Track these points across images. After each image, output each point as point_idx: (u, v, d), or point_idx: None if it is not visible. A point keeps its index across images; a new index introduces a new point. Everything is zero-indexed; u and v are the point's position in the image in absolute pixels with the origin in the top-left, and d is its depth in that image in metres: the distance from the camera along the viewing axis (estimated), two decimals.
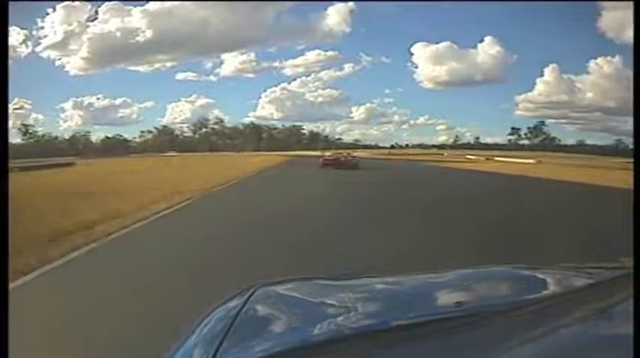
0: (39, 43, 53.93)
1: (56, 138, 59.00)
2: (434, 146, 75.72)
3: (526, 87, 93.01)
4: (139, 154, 57.16)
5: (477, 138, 76.55)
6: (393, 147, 75.55)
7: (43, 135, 57.69)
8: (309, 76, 79.59)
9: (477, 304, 1.08)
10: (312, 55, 69.79)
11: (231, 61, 71.50)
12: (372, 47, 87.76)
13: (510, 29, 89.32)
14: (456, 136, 76.15)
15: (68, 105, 60.89)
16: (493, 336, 0.87)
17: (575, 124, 78.40)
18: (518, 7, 71.72)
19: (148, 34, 57.90)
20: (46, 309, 4.43)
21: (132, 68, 72.20)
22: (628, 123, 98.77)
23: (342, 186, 19.65)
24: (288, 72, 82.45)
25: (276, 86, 74.83)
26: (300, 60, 69.57)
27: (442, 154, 66.59)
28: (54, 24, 54.07)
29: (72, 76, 59.38)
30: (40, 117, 62.86)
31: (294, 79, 76.58)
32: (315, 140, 73.55)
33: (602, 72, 78.21)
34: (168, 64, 69.73)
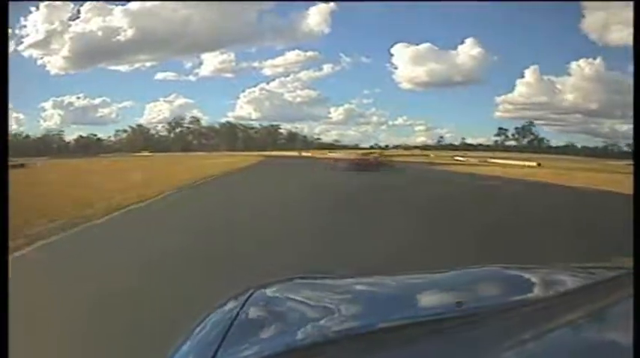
0: (21, 42, 53.01)
1: (27, 137, 58.19)
2: (416, 147, 74.88)
3: (506, 88, 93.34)
4: (111, 154, 56.77)
5: (463, 138, 75.91)
6: (372, 147, 75.08)
7: (15, 135, 56.47)
8: (288, 76, 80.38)
9: (477, 304, 1.06)
10: (291, 56, 70.14)
11: (211, 61, 71.63)
12: (352, 48, 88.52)
13: (491, 30, 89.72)
14: (440, 137, 75.45)
15: (48, 104, 60.26)
16: (493, 336, 0.87)
17: (554, 126, 78.51)
18: (500, 9, 71.32)
19: (129, 33, 57.59)
20: None
21: (112, 67, 72.00)
22: (606, 126, 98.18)
23: (326, 197, 15.89)
24: (267, 72, 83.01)
25: (254, 86, 76.53)
26: (279, 60, 70.10)
27: (428, 155, 65.35)
28: (36, 23, 53.28)
29: (53, 75, 58.64)
30: (21, 116, 61.59)
31: (273, 79, 77.50)
32: (293, 140, 73.83)
33: (583, 74, 78.86)
34: (148, 64, 71.00)
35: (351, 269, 6.21)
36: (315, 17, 70.43)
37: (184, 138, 69.50)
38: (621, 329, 0.83)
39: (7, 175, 2.62)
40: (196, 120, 69.48)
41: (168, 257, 6.93)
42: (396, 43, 75.71)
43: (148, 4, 57.67)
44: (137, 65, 63.46)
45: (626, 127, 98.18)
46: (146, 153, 59.75)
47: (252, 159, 46.83)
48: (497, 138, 76.22)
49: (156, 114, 67.97)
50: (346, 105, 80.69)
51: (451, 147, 70.86)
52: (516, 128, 76.22)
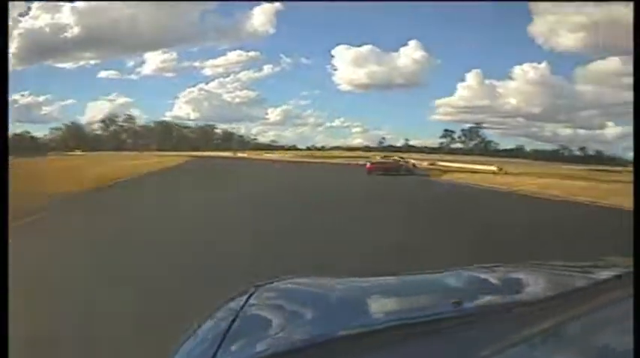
0: None
1: None
2: (357, 148, 73.63)
3: (447, 91, 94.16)
4: (42, 153, 55.84)
5: (407, 140, 75.15)
6: (308, 149, 75.48)
7: None
8: (228, 76, 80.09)
9: (477, 304, 1.07)
10: (233, 56, 69.78)
11: (153, 60, 74.23)
12: (294, 49, 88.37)
13: (436, 34, 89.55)
14: (382, 138, 74.44)
15: None
16: (492, 336, 0.87)
17: (496, 129, 78.16)
18: (445, 12, 70.31)
19: (76, 31, 57.88)
20: None
21: (58, 65, 72.72)
22: (548, 129, 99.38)
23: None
24: (208, 72, 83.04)
25: (194, 86, 76.44)
26: (220, 60, 70.07)
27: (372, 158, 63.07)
28: None
29: None
30: None
31: (213, 80, 76.79)
32: (229, 140, 71.36)
33: (527, 78, 79.46)
34: (93, 62, 69.88)
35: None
36: (260, 17, 70.04)
37: (118, 136, 68.74)
38: (621, 329, 0.82)
39: (7, 175, 2.58)
40: (131, 118, 69.05)
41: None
42: (337, 44, 75.36)
43: (95, 2, 58.25)
44: (82, 63, 65.72)
45: (570, 131, 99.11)
46: (79, 152, 58.79)
47: (180, 159, 45.52)
48: (443, 140, 75.69)
49: (97, 112, 67.83)
50: (284, 106, 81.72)
51: (392, 149, 69.92)
52: (463, 130, 76.05)
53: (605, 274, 1.26)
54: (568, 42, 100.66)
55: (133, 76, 72.08)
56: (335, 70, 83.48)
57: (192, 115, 71.52)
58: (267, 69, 76.02)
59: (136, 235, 9.42)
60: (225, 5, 71.93)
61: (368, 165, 34.25)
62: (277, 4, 65.24)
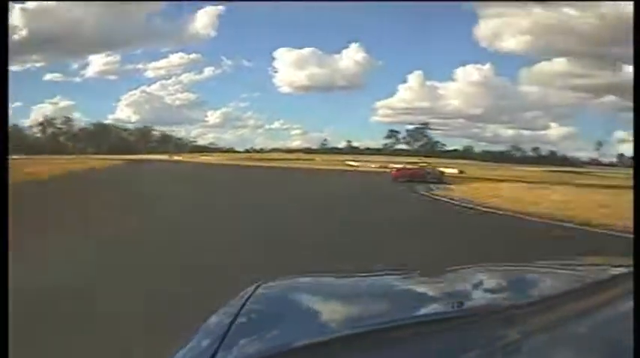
0: None
1: None
2: (298, 150, 72.51)
3: (389, 93, 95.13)
4: None
5: (349, 142, 74.36)
6: (247, 151, 76.10)
7: None
8: (169, 78, 78.09)
9: (477, 304, 1.07)
10: (175, 58, 69.39)
11: (96, 63, 74.48)
12: (236, 51, 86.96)
13: (378, 36, 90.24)
14: (324, 140, 73.39)
15: None
16: (493, 336, 0.86)
17: (437, 131, 78.83)
18: (388, 14, 69.66)
19: (22, 33, 58.19)
20: None
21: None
22: (489, 130, 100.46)
23: None
24: (150, 74, 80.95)
25: (136, 89, 74.33)
26: (163, 62, 69.22)
27: (313, 159, 61.30)
28: None
29: None
30: None
31: (155, 82, 75.35)
32: (167, 142, 69.04)
33: (470, 79, 79.61)
34: (39, 64, 65.86)
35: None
36: (202, 20, 68.36)
37: (56, 139, 67.53)
38: (621, 329, 0.82)
39: (7, 175, 2.57)
40: (69, 120, 68.59)
41: None
42: (279, 47, 74.95)
43: (44, 3, 59.81)
44: (28, 65, 65.82)
45: (513, 132, 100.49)
46: (15, 157, 55.70)
47: (105, 163, 44.73)
48: (388, 141, 74.95)
49: (39, 115, 67.34)
50: (224, 109, 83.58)
51: (335, 151, 69.27)
52: (408, 131, 75.65)
53: (605, 274, 1.27)
54: (513, 44, 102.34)
55: (77, 79, 71.25)
56: (276, 72, 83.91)
57: (134, 118, 70.72)
58: (208, 71, 75.82)
59: None
60: (169, 7, 70.27)
61: (394, 171, 33.08)
62: (220, 7, 64.50)
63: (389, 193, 23.78)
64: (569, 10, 77.24)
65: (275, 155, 69.11)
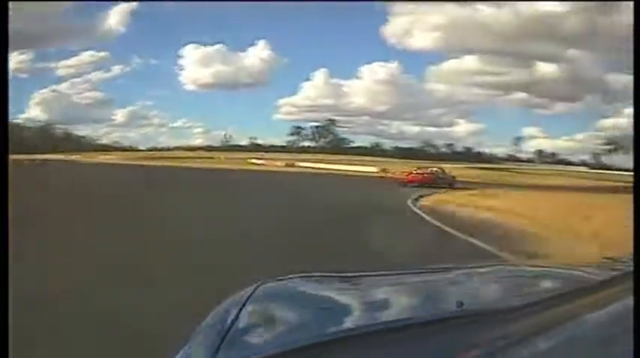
0: None
1: None
2: (200, 148, 71.93)
3: (293, 90, 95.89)
4: None
5: (253, 139, 74.14)
6: (149, 150, 75.03)
7: None
8: (80, 77, 76.04)
9: (477, 304, 1.07)
10: (86, 56, 66.83)
11: (10, 61, 67.84)
12: (144, 49, 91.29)
13: (286, 33, 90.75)
14: (229, 136, 72.68)
15: None
16: (493, 336, 0.87)
17: (341, 128, 79.69)
18: (295, 12, 70.14)
19: None
20: None
21: None
22: (394, 127, 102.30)
23: None
24: (61, 73, 78.21)
25: (45, 87, 72.21)
26: (74, 61, 66.81)
27: (219, 158, 60.33)
28: None
29: None
30: None
31: (66, 80, 73.45)
32: (68, 140, 67.12)
33: (375, 77, 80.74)
34: None
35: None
36: (113, 17, 66.91)
37: None
38: (621, 329, 0.82)
39: (7, 174, 2.59)
40: None
41: None
42: (187, 44, 74.63)
43: None
44: None
45: (418, 129, 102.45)
46: None
47: None
48: (292, 138, 74.96)
49: None
50: (130, 107, 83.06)
51: (237, 149, 68.93)
52: (317, 127, 75.77)
53: (605, 274, 1.25)
54: (422, 41, 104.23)
55: None
56: (182, 69, 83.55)
57: (42, 117, 67.86)
58: (116, 69, 75.02)
59: None
60: (81, 5, 68.27)
61: (409, 177, 30.78)
62: (134, 4, 63.41)
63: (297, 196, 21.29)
64: (480, 7, 78.97)
65: (177, 153, 68.08)
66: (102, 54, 69.38)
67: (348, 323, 1.02)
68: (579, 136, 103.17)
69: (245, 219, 12.22)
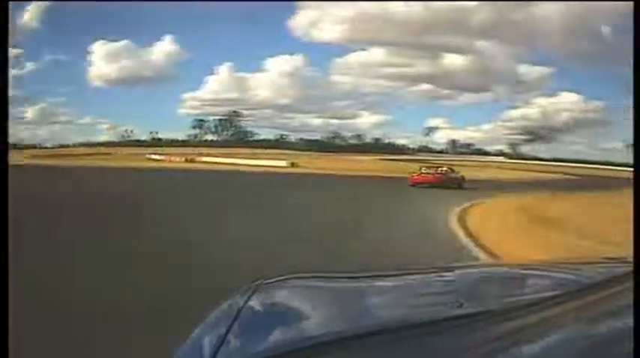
0: None
1: None
2: (101, 144, 71.05)
3: (198, 84, 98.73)
4: None
5: (155, 133, 73.07)
6: (61, 146, 73.50)
7: None
8: None
9: (477, 304, 1.06)
10: None
11: None
12: (56, 45, 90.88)
13: (191, 28, 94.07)
14: (130, 131, 71.46)
15: None
16: (493, 336, 0.87)
17: (245, 121, 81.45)
18: (200, 6, 69.71)
19: None
20: None
21: None
22: (297, 120, 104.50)
23: None
24: None
25: None
26: None
27: (111, 154, 56.97)
28: None
29: None
30: None
31: None
32: None
33: (280, 69, 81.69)
34: None
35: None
36: (28, 14, 69.14)
37: None
38: (621, 329, 0.82)
39: (7, 175, 2.56)
40: None
41: None
42: (96, 40, 74.73)
43: None
44: None
45: (321, 121, 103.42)
46: None
47: None
48: (195, 131, 74.32)
49: None
50: (41, 104, 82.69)
51: (138, 144, 68.72)
52: (219, 120, 75.32)
53: (605, 273, 1.25)
54: (329, 34, 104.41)
55: None
56: (90, 66, 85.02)
57: None
58: (29, 66, 77.17)
59: None
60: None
61: (418, 177, 27.96)
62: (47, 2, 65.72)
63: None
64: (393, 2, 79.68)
65: (81, 150, 66.61)
66: (15, 51, 69.50)
67: (348, 323, 1.02)
68: (486, 127, 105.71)
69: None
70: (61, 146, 73.71)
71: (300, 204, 15.82)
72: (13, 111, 79.23)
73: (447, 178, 28.07)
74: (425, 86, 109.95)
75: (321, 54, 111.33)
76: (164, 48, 79.36)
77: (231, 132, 77.36)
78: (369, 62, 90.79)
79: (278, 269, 1.39)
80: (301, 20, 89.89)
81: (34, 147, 70.84)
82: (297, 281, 1.34)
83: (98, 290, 5.37)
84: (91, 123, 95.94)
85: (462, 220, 12.42)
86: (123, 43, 77.37)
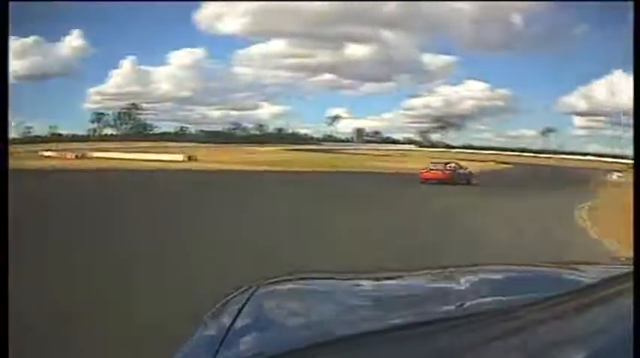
0: None
1: None
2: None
3: (102, 79, 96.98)
4: None
5: (52, 127, 70.72)
6: None
7: None
8: None
9: (477, 304, 1.06)
10: None
11: None
12: None
13: (97, 22, 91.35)
14: (31, 127, 68.22)
15: None
16: (493, 336, 0.86)
17: (146, 114, 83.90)
18: (107, 3, 67.99)
19: None
20: None
21: None
22: (196, 112, 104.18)
23: None
24: None
25: None
26: None
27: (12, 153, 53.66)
28: None
29: None
30: None
31: None
32: None
33: (182, 62, 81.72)
34: None
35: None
36: None
37: None
38: (621, 329, 0.82)
39: (7, 176, 2.53)
40: None
41: None
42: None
43: None
44: None
45: (220, 113, 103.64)
46: None
47: None
48: (94, 125, 72.65)
49: None
50: None
51: (40, 140, 66.17)
52: (118, 113, 73.98)
53: (605, 274, 1.25)
54: (232, 27, 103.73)
55: None
56: None
57: None
58: None
59: None
60: None
61: (429, 173, 27.62)
62: None
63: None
64: None
65: None
66: None
67: (347, 323, 1.01)
68: (387, 115, 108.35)
69: None
70: None
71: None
72: None
73: (457, 174, 27.90)
74: (327, 76, 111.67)
75: (225, 46, 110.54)
76: (71, 44, 78.56)
77: (130, 125, 75.75)
78: (270, 53, 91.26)
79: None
80: (206, 13, 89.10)
81: None
82: (297, 281, 1.34)
83: None
84: None
85: None
86: (33, 38, 77.37)
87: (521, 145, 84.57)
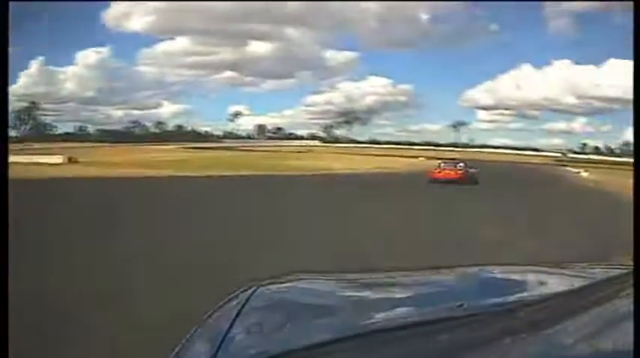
0: None
1: None
2: None
3: (10, 80, 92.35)
4: None
5: None
6: None
7: None
8: None
9: (478, 304, 1.06)
10: None
11: None
12: None
13: (11, 25, 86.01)
14: None
15: None
16: (493, 336, 0.86)
17: (50, 116, 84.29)
18: (18, 3, 64.91)
19: None
20: None
21: None
22: (101, 112, 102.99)
23: None
24: None
25: None
26: None
27: None
28: None
29: None
30: None
31: None
32: None
33: (87, 62, 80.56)
34: None
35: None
36: None
37: None
38: (621, 329, 0.82)
39: (7, 174, 2.50)
40: None
41: None
42: None
43: None
44: None
45: (122, 113, 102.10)
46: None
47: None
48: None
49: None
50: None
51: None
52: (19, 113, 73.34)
53: (605, 274, 1.26)
54: (139, 25, 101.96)
55: None
56: None
57: None
58: None
59: None
60: None
61: (441, 173, 26.53)
62: None
63: None
64: None
65: None
66: None
67: (347, 323, 1.02)
68: (288, 112, 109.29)
69: None
70: None
71: None
72: None
73: (468, 175, 26.65)
74: (228, 73, 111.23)
75: (131, 45, 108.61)
76: None
77: (30, 126, 73.58)
78: (173, 51, 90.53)
79: None
80: (114, 13, 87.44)
81: None
82: (297, 281, 1.34)
83: None
84: None
85: None
86: None
87: (423, 139, 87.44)
